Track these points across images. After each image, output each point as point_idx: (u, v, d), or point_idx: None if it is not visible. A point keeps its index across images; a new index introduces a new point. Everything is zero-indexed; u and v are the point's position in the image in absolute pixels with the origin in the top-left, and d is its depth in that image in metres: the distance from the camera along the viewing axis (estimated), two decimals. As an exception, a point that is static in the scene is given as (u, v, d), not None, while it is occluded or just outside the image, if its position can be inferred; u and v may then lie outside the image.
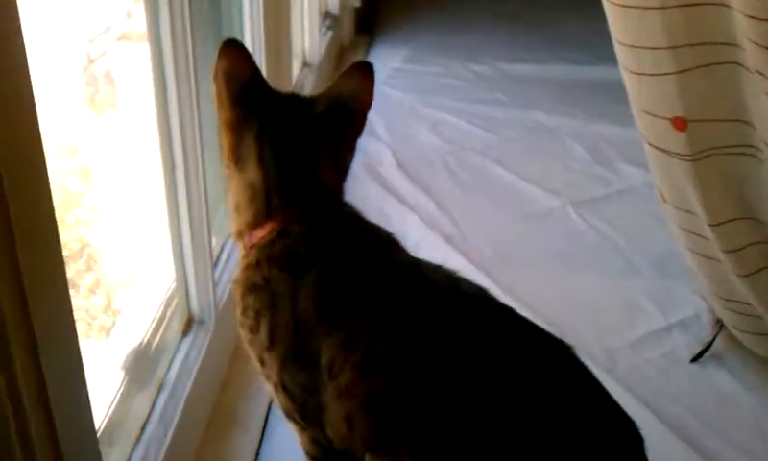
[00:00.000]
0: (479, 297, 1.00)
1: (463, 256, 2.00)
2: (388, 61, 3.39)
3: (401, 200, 2.22)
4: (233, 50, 0.99)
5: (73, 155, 1.41)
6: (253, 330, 0.98)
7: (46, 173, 0.73)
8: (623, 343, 1.74)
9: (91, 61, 1.32)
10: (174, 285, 1.49)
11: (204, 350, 1.44)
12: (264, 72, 1.92)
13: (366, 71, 1.02)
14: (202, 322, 1.49)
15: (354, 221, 1.04)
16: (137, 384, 1.28)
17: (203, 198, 1.43)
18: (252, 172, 0.99)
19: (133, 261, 1.69)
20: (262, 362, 1.00)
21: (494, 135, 2.70)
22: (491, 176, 2.44)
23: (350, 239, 1.00)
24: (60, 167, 1.32)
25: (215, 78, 1.00)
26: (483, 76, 3.25)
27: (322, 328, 0.93)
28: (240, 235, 1.04)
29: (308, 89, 2.64)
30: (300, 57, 2.81)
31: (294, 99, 1.06)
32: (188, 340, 1.44)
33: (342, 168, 1.05)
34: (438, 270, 1.00)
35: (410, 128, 2.72)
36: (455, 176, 2.43)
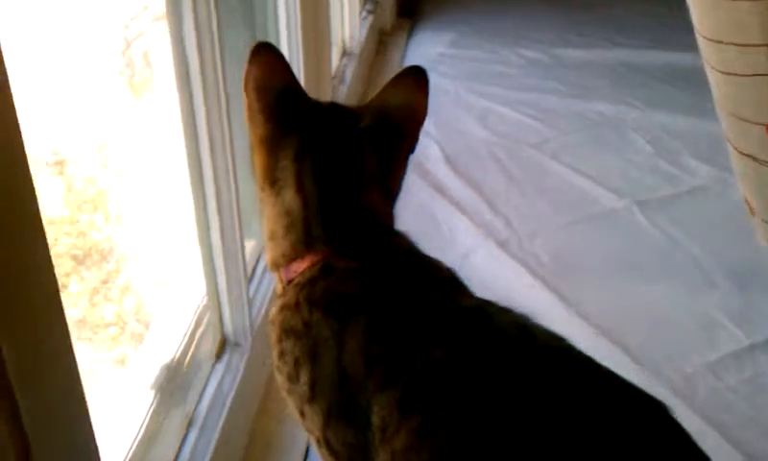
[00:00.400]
0: (558, 350, 0.84)
1: (519, 263, 1.83)
2: (432, 47, 3.22)
3: (450, 199, 2.06)
4: (266, 55, 0.85)
5: (102, 148, 1.36)
6: (292, 379, 0.84)
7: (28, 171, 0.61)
8: (701, 366, 1.56)
9: (128, 44, 1.27)
10: (205, 301, 1.36)
11: (239, 376, 1.30)
12: (302, 63, 1.79)
13: (419, 78, 0.87)
14: (236, 344, 1.35)
15: (408, 255, 0.88)
16: (166, 414, 1.15)
17: (234, 205, 1.29)
18: (290, 197, 0.85)
19: (164, 265, 1.60)
20: (302, 414, 0.85)
21: (549, 127, 2.51)
22: (546, 172, 2.26)
23: (405, 278, 0.84)
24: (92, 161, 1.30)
25: (245, 88, 0.86)
26: (534, 62, 3.05)
27: (372, 384, 0.78)
28: (276, 267, 0.89)
29: (349, 80, 2.48)
30: (340, 45, 2.65)
31: (336, 111, 0.91)
32: (221, 365, 1.31)
33: (392, 192, 0.90)
34: (508, 315, 0.83)
35: (457, 119, 2.54)
36: (507, 172, 2.25)
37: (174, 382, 1.20)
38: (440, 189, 2.11)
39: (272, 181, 0.86)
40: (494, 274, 1.81)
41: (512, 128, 2.51)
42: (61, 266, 1.84)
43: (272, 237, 0.88)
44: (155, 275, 1.92)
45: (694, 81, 2.73)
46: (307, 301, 0.83)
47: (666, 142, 2.42)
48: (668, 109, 2.57)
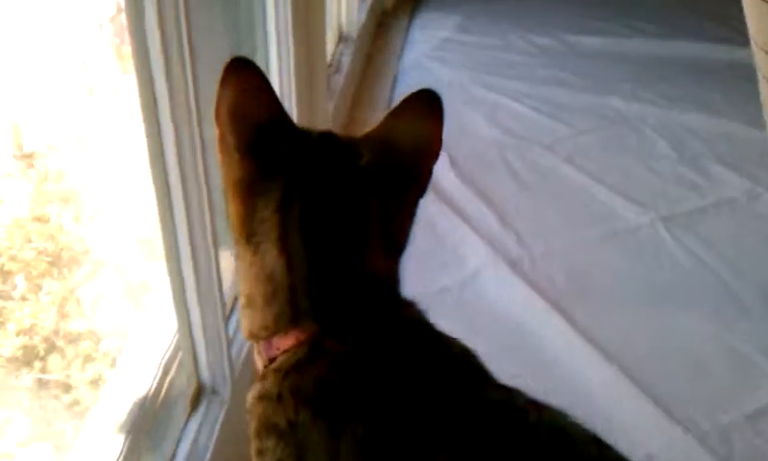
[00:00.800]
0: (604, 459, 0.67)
1: (530, 286, 1.65)
2: (436, 30, 3.00)
3: (456, 210, 1.86)
4: (244, 75, 0.67)
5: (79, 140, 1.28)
6: None
7: None
8: (737, 416, 1.39)
9: (120, 10, 1.13)
10: (175, 341, 1.17)
11: (217, 428, 1.12)
12: (292, 51, 1.58)
13: (432, 105, 0.69)
14: (214, 392, 1.17)
15: (417, 332, 0.70)
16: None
17: (207, 225, 1.09)
18: (272, 258, 0.67)
19: (140, 276, 1.43)
20: None
21: (563, 125, 2.31)
22: (561, 178, 2.07)
23: (415, 366, 0.66)
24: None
25: (217, 116, 0.68)
26: (547, 50, 2.83)
27: None
28: (254, 338, 0.71)
29: (346, 68, 2.27)
30: (336, 29, 2.43)
31: (330, 144, 0.72)
32: (197, 418, 1.13)
33: (398, 246, 0.72)
34: (544, 413, 0.66)
35: (463, 115, 2.34)
36: (518, 178, 2.05)
37: (140, 441, 1.03)
38: (444, 199, 1.90)
39: (248, 234, 0.68)
40: (504, 297, 1.63)
41: (523, 126, 2.31)
42: (32, 269, 1.64)
43: (249, 304, 0.70)
44: (130, 285, 1.73)
45: (722, 77, 2.56)
46: (293, 393, 0.65)
47: (690, 145, 2.23)
48: (691, 108, 2.38)
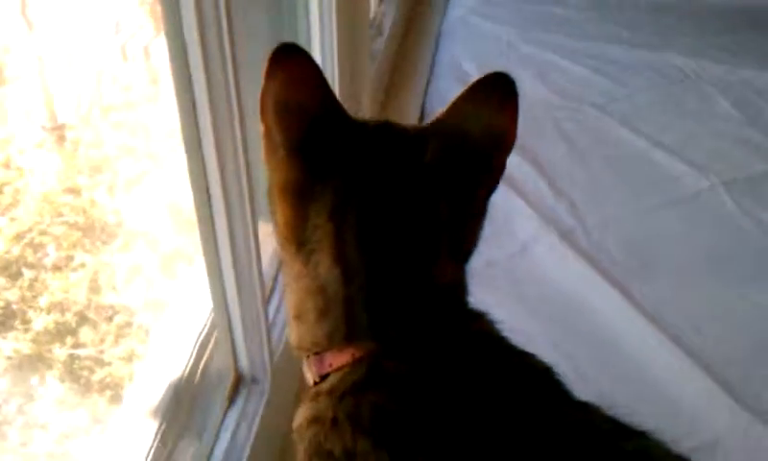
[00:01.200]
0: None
1: (586, 260, 1.56)
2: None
3: (505, 177, 1.76)
4: (292, 63, 0.59)
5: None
6: None
7: None
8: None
9: None
10: (210, 321, 1.13)
11: (257, 420, 1.08)
12: (335, 15, 1.50)
13: (506, 91, 0.61)
14: (255, 381, 1.13)
15: (490, 351, 0.63)
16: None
17: (246, 200, 1.02)
18: (326, 268, 0.61)
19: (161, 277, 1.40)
20: None
21: (617, 85, 2.19)
22: (615, 141, 1.96)
23: (487, 390, 0.59)
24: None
25: (262, 111, 0.61)
26: (600, 4, 2.68)
27: None
28: (303, 351, 0.66)
29: (387, 31, 2.17)
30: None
31: (390, 138, 0.64)
32: (236, 409, 1.09)
33: (468, 252, 0.64)
34: (635, 442, 0.59)
35: (511, 74, 2.22)
36: (570, 141, 1.95)
37: (174, 427, 1.00)
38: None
39: (299, 243, 0.62)
40: (556, 271, 1.55)
41: (574, 85, 2.19)
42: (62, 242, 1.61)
43: (298, 316, 0.64)
44: (165, 257, 1.70)
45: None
46: (350, 419, 0.59)
47: (755, 104, 2.10)
48: (757, 64, 2.24)
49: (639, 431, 0.60)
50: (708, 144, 1.93)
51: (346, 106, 0.63)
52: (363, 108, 1.62)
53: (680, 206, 1.72)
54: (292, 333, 0.66)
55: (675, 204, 1.73)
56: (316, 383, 0.63)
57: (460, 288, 0.64)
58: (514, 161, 1.87)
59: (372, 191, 0.60)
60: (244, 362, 1.12)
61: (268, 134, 0.61)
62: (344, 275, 0.59)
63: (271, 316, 1.18)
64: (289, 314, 0.65)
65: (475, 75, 0.61)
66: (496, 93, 0.61)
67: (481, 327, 0.63)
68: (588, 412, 0.60)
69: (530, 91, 2.16)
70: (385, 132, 0.63)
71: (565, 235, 1.62)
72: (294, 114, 0.59)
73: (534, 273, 1.54)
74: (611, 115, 2.04)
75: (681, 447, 1.27)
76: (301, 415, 0.63)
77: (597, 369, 1.32)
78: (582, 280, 1.53)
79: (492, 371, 0.59)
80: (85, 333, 1.47)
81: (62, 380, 1.28)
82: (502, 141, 0.62)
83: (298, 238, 0.61)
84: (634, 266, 1.56)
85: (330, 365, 0.62)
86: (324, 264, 0.60)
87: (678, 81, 2.22)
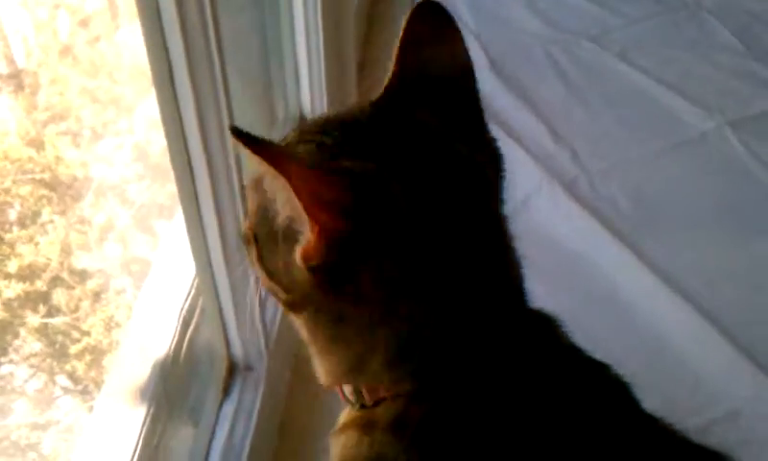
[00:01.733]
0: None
1: (591, 214, 1.47)
2: None
3: (499, 122, 1.65)
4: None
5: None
6: None
7: None
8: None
9: None
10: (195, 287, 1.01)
11: (255, 414, 0.98)
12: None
13: (444, 21, 0.56)
14: (249, 368, 1.02)
15: (557, 366, 0.54)
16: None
17: (229, 143, 0.87)
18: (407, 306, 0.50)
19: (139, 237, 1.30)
20: None
21: (613, 15, 2.05)
22: (613, 77, 1.84)
23: (554, 414, 0.51)
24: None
25: (287, 172, 0.46)
26: None
27: None
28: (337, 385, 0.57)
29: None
30: None
31: (391, 138, 0.52)
32: (231, 401, 0.98)
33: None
34: None
35: (501, 5, 2.07)
36: (567, 79, 1.82)
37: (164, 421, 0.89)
38: (486, 107, 1.69)
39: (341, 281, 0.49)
40: (560, 224, 1.46)
41: (568, 16, 2.04)
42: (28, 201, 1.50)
43: (355, 368, 0.54)
44: (140, 215, 1.58)
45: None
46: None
47: (757, 33, 1.97)
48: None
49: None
50: (710, 79, 1.82)
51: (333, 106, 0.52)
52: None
53: (685, 150, 1.63)
54: (329, 378, 0.56)
55: (680, 147, 1.63)
56: (361, 415, 0.55)
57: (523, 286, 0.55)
58: (510, 103, 1.76)
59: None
60: (237, 348, 1.00)
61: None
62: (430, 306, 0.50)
63: (264, 293, 1.06)
64: (329, 368, 0.55)
65: (465, 11, 0.50)
66: (435, 26, 0.55)
67: (547, 330, 0.55)
68: (665, 436, 0.52)
69: (521, 22, 2.03)
70: (408, 126, 0.53)
71: (569, 186, 1.52)
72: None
73: (537, 229, 1.44)
74: (607, 49, 1.91)
75: (702, 418, 1.20)
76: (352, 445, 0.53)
77: (608, 332, 1.24)
78: (586, 233, 1.44)
79: (558, 391, 0.52)
80: (59, 296, 1.34)
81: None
82: (469, 68, 0.57)
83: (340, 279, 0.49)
84: (640, 217, 1.47)
85: (388, 391, 0.53)
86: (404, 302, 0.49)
87: (674, 8, 2.08)
